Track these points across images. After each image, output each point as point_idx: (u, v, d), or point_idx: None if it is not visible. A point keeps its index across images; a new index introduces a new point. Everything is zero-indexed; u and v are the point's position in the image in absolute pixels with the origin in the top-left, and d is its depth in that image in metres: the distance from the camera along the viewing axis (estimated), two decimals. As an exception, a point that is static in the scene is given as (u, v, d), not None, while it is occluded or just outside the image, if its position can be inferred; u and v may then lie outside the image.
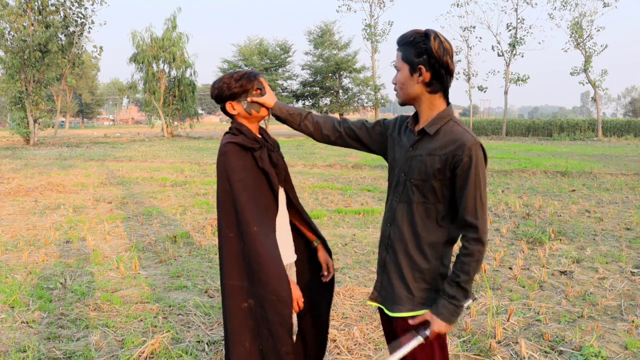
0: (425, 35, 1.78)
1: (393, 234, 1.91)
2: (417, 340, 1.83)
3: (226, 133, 2.19)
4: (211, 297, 4.35)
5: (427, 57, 1.77)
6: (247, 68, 45.11)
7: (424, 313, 1.85)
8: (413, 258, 1.86)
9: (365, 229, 7.01)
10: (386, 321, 2.03)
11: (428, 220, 1.84)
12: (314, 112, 2.21)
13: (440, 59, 1.77)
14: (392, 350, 2.01)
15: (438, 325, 1.79)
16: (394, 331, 1.95)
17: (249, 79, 2.12)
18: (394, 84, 1.92)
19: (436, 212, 1.83)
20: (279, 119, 2.20)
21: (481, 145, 1.78)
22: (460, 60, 40.45)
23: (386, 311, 1.94)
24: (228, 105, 2.15)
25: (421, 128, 1.86)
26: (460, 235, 1.84)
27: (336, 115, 45.15)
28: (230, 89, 2.12)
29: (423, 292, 1.86)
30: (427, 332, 1.82)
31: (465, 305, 1.86)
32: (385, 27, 38.98)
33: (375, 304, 2.00)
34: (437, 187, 1.80)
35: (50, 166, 16.21)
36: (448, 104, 1.86)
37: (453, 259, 1.88)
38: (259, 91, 2.14)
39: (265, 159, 2.13)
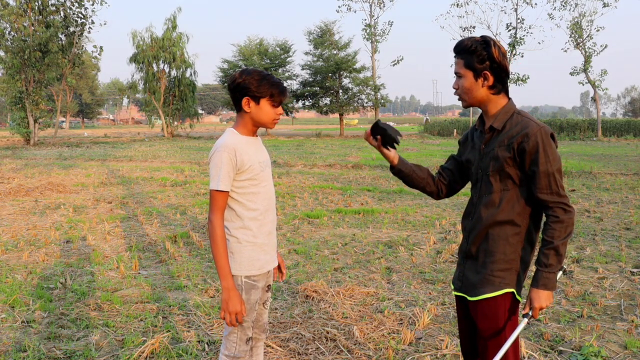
0: (485, 42, 1.94)
1: (474, 224, 2.03)
2: (523, 323, 1.92)
3: None
4: (211, 297, 4.35)
5: (489, 63, 1.94)
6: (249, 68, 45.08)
7: (505, 292, 1.95)
8: (494, 242, 1.97)
9: (365, 229, 7.01)
10: (464, 309, 2.14)
11: (508, 205, 1.95)
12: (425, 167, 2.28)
13: (501, 63, 1.94)
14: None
15: (538, 298, 1.90)
16: (473, 317, 2.04)
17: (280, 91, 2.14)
18: (455, 88, 2.04)
19: (517, 196, 1.96)
20: (400, 173, 2.22)
21: (547, 130, 1.89)
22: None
23: (468, 297, 2.04)
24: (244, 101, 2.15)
25: (489, 125, 2.02)
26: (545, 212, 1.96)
27: (336, 115, 45.13)
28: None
29: (504, 272, 1.97)
30: (530, 312, 1.91)
31: (557, 276, 1.92)
32: (385, 27, 38.92)
33: (458, 293, 2.11)
34: (513, 173, 1.94)
35: (50, 166, 16.21)
36: (509, 99, 2.02)
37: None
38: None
39: None
